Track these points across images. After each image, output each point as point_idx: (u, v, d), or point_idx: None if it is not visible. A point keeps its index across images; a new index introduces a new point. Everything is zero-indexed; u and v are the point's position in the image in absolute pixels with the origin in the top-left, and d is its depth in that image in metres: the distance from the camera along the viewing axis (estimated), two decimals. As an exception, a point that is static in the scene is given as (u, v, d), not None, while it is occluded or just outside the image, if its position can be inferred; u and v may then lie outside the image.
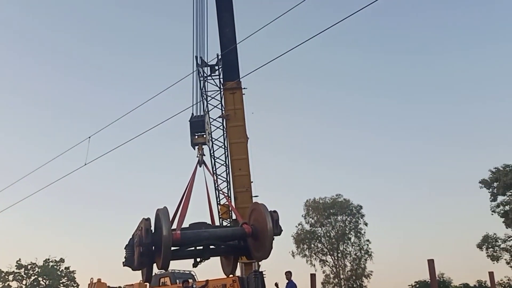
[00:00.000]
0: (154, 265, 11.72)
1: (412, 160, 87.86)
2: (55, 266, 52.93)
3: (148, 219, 11.04)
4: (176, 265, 13.64)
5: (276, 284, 12.54)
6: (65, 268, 53.31)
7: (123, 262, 12.06)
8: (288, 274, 12.42)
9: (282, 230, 11.53)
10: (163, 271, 14.54)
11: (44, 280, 52.29)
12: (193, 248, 11.99)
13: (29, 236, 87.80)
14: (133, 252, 11.56)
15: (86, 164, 15.25)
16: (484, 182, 37.71)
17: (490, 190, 37.28)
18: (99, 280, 14.36)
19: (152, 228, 11.14)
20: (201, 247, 12.01)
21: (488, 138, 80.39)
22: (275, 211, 11.55)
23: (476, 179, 38.55)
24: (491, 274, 9.79)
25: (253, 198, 16.89)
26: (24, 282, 51.92)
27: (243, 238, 11.88)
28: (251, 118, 18.75)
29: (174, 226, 11.55)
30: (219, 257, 13.61)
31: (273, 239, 11.33)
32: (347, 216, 52.84)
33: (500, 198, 36.90)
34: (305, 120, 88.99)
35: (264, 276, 12.68)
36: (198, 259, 12.32)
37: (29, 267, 52.15)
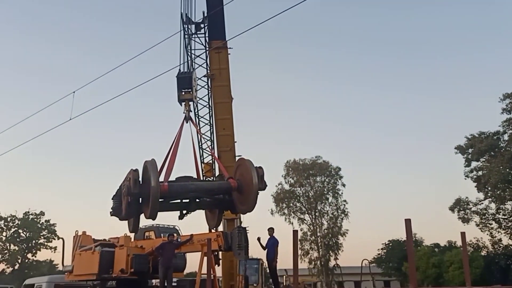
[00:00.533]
0: (141, 216, 12.11)
1: (392, 123, 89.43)
2: (35, 219, 53.08)
3: (136, 170, 11.35)
4: (160, 220, 13.95)
5: (258, 239, 13.01)
6: (45, 221, 53.56)
7: (110, 212, 12.46)
8: (271, 230, 12.87)
9: (266, 185, 12.02)
10: (147, 225, 14.98)
11: (24, 232, 52.54)
12: (179, 200, 12.39)
13: (9, 189, 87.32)
14: (120, 202, 11.89)
15: (71, 119, 15.18)
16: (459, 148, 38.76)
17: (465, 156, 38.41)
18: (84, 232, 14.58)
19: (140, 179, 11.41)
20: (187, 200, 12.43)
21: (466, 104, 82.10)
22: (260, 167, 11.97)
23: (452, 145, 39.68)
24: (462, 234, 10.28)
25: (236, 157, 17.13)
26: (4, 233, 52.13)
27: (229, 192, 12.31)
28: (236, 78, 18.76)
29: (161, 179, 11.79)
30: (203, 212, 14.18)
31: (258, 194, 11.81)
32: (326, 177, 54.05)
33: (474, 164, 38.14)
34: (287, 80, 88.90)
35: (247, 231, 13.06)
36: (184, 212, 12.77)
37: (8, 219, 52.18)
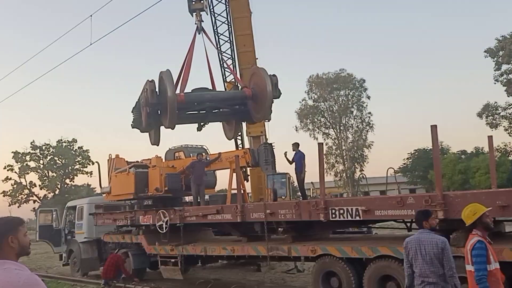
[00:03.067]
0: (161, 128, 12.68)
1: (416, 32, 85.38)
2: (68, 146, 55.24)
3: (152, 81, 11.59)
4: (186, 140, 14.34)
5: (285, 154, 13.27)
6: (78, 147, 55.71)
7: (131, 124, 13.02)
8: (295, 145, 13.02)
9: (281, 93, 12.27)
10: (177, 146, 15.40)
11: (60, 160, 55.03)
12: (196, 112, 12.76)
13: (39, 120, 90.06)
14: (140, 114, 12.31)
15: (91, 44, 15.09)
16: (489, 51, 37.13)
17: (495, 59, 36.86)
18: (117, 155, 15.13)
19: (157, 90, 11.67)
20: (204, 112, 12.77)
21: (496, 5, 76.94)
22: (274, 75, 12.10)
23: (482, 49, 37.95)
24: (490, 138, 10.21)
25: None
26: (41, 161, 54.72)
27: (244, 100, 12.58)
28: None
29: (177, 91, 12.02)
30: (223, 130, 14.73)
31: (273, 102, 12.08)
32: (350, 90, 53.31)
33: (504, 67, 36.69)
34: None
35: (273, 147, 13.29)
36: (202, 123, 13.35)
37: (43, 147, 54.44)
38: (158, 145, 13.96)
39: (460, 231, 6.92)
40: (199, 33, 13.80)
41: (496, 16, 78.12)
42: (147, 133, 13.64)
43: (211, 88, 13.61)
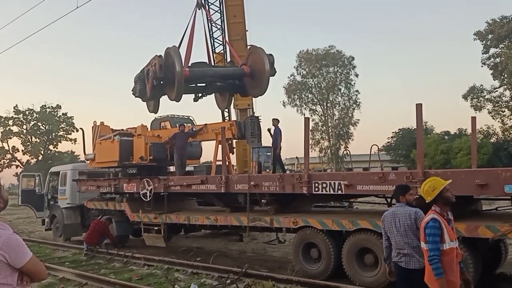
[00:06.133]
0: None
1: (406, 10, 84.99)
2: (52, 112, 54.33)
3: (160, 56, 12.27)
4: (175, 110, 14.41)
5: (268, 130, 13.38)
6: (63, 114, 54.85)
7: (134, 94, 13.57)
8: (275, 121, 13.24)
9: (276, 71, 13.16)
10: (163, 115, 15.33)
11: (43, 126, 54.20)
12: (194, 85, 13.61)
13: (22, 84, 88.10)
14: (145, 85, 12.93)
15: (78, 8, 14.75)
16: (478, 34, 37.19)
17: (484, 42, 36.99)
18: (102, 123, 14.98)
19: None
20: (203, 84, 13.83)
21: (491, -13, 76.76)
22: (271, 54, 12.91)
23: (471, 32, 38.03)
24: (473, 119, 10.37)
25: (248, 47, 16.75)
26: (24, 126, 53.88)
27: (242, 77, 13.48)
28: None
29: None
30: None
31: (269, 79, 12.85)
32: (339, 68, 53.23)
33: (492, 50, 36.89)
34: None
35: (259, 120, 13.35)
36: (200, 95, 14.39)
37: (27, 112, 53.47)
38: (156, 113, 14.63)
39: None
40: (199, 9, 14.73)
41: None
42: (145, 102, 14.25)
43: (208, 63, 14.52)
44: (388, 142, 45.86)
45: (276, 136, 12.90)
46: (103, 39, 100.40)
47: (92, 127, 15.17)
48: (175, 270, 9.82)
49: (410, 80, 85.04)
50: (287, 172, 14.46)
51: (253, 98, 16.97)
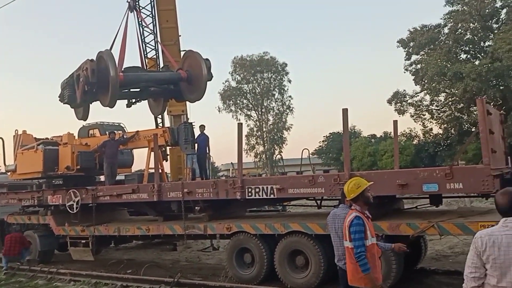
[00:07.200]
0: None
1: (337, 17, 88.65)
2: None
3: (92, 60, 11.53)
4: (105, 116, 13.88)
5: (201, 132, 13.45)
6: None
7: (62, 100, 12.77)
8: (202, 127, 13.36)
9: (212, 76, 12.86)
10: (91, 122, 14.72)
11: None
12: (127, 90, 12.95)
13: None
14: (74, 91, 12.14)
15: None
16: (401, 42, 39.50)
17: (406, 49, 39.33)
18: (24, 131, 14.12)
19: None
20: (138, 89, 13.14)
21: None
22: (207, 59, 12.63)
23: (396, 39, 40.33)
24: (395, 123, 10.98)
25: (181, 52, 16.56)
26: None
27: (178, 81, 13.04)
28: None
29: None
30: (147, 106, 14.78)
31: (207, 84, 12.55)
32: (273, 74, 54.31)
33: (414, 57, 39.30)
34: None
35: (193, 126, 13.28)
36: (133, 100, 13.69)
37: None
38: (85, 120, 13.91)
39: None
40: (131, 12, 14.28)
41: (412, 8, 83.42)
42: (73, 109, 13.46)
43: (141, 67, 14.01)
44: (320, 146, 47.40)
45: (202, 142, 12.98)
46: (25, 45, 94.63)
47: (14, 136, 14.26)
48: (103, 285, 9.41)
49: (340, 85, 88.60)
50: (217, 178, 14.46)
51: (187, 104, 16.80)
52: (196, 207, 10.55)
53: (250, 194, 8.90)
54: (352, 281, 4.34)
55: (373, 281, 4.20)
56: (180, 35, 17.07)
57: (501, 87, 33.13)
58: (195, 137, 12.91)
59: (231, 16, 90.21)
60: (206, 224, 9.58)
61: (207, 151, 13.72)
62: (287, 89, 54.51)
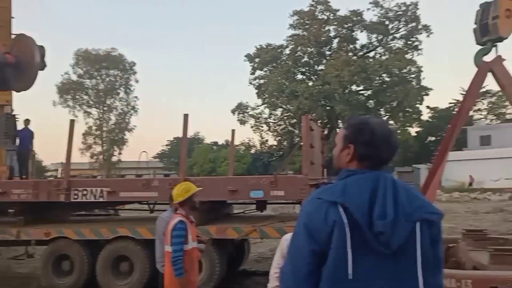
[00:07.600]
0: None
1: (191, 23, 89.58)
2: None
3: None
4: None
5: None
6: None
7: None
8: (27, 121, 12.21)
9: (46, 65, 11.67)
10: None
11: None
12: None
13: None
14: None
15: None
16: (248, 56, 41.88)
17: (252, 64, 41.83)
18: None
19: None
20: None
21: (260, 19, 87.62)
22: (42, 46, 11.46)
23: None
24: (233, 131, 11.50)
25: (12, 36, 14.79)
26: None
27: (3, 67, 11.48)
28: None
29: None
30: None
31: (38, 73, 11.37)
32: (119, 71, 51.93)
33: (258, 73, 41.99)
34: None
35: (17, 119, 11.93)
36: None
37: None
38: None
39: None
40: None
41: (262, 25, 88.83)
42: None
43: None
44: (162, 150, 46.95)
45: (25, 138, 11.72)
46: None
47: None
48: None
49: (189, 90, 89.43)
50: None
51: (13, 94, 15.02)
52: (10, 210, 9.38)
53: (76, 196, 8.27)
54: (168, 285, 4.34)
55: (185, 285, 4.26)
56: (13, 17, 15.30)
57: (327, 107, 37.50)
58: (17, 131, 11.58)
59: (81, 4, 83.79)
60: (20, 229, 8.55)
61: (31, 148, 12.37)
62: (134, 89, 52.69)
